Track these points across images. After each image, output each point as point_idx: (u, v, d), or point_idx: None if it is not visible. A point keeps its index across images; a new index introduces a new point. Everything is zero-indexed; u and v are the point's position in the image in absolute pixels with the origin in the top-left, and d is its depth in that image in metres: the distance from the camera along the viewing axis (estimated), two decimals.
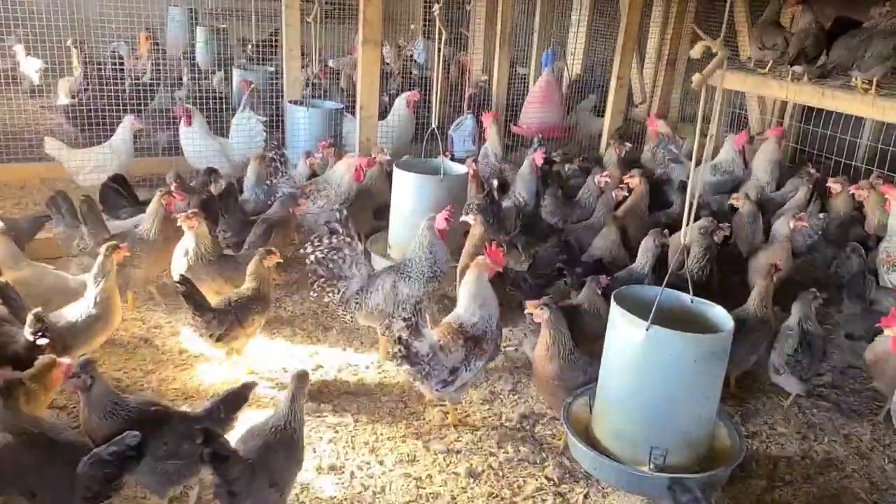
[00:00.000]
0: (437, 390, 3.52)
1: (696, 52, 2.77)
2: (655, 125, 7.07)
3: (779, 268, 4.17)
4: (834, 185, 5.71)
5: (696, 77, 2.65)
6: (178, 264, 4.26)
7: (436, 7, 4.42)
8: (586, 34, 9.45)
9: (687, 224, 3.01)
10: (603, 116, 7.62)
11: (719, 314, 3.09)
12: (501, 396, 4.09)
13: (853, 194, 5.69)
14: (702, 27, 8.26)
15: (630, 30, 6.95)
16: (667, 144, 6.30)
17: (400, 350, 3.37)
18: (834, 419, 4.02)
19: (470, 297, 3.54)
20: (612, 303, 3.08)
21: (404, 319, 3.42)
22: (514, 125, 8.40)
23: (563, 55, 9.36)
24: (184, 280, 3.80)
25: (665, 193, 6.10)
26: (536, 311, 3.50)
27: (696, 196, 3.09)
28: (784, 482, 3.49)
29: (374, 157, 5.65)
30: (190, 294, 3.75)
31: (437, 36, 4.48)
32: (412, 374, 3.48)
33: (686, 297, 3.18)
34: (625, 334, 2.99)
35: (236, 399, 3.07)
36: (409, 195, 4.76)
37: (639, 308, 3.04)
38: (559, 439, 3.68)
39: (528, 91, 8.54)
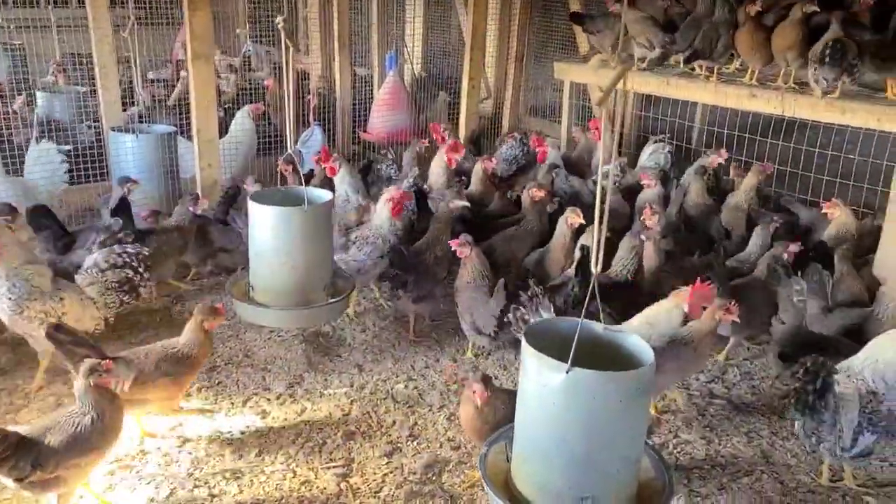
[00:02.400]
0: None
1: (593, 64, 2.55)
2: (545, 150, 6.42)
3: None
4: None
5: (597, 96, 2.43)
6: None
7: (279, 19, 3.94)
8: (423, 28, 9.23)
9: (599, 226, 2.77)
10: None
11: (636, 344, 2.91)
12: (401, 445, 3.74)
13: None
14: (541, 19, 8.39)
15: (477, 31, 6.78)
16: (562, 174, 6.00)
17: None
18: (731, 416, 4.04)
19: None
20: (524, 343, 2.81)
21: None
22: (364, 131, 8.02)
23: (407, 54, 9.08)
24: None
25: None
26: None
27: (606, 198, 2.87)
28: (702, 496, 3.42)
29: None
30: None
31: (283, 50, 4.01)
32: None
33: (598, 326, 2.98)
34: (542, 379, 2.72)
35: None
36: (268, 231, 4.23)
37: (551, 344, 2.80)
38: (469, 484, 3.41)
39: (373, 95, 8.19)
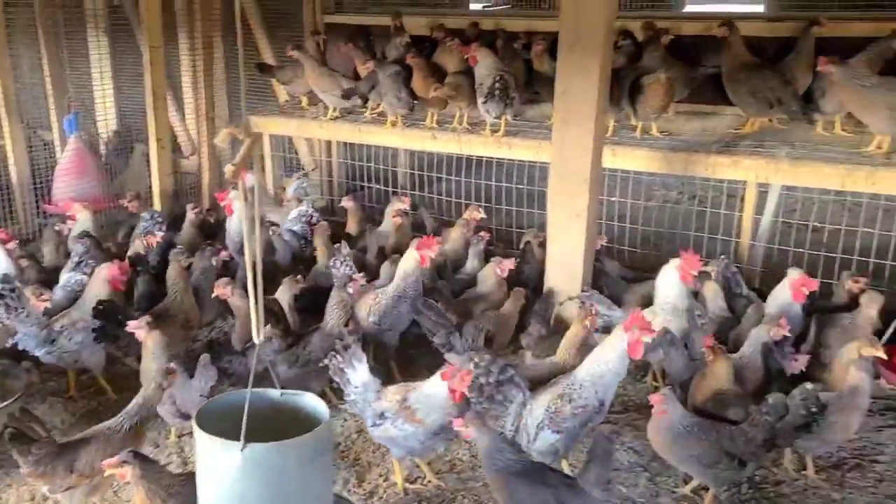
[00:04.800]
0: None
1: (222, 139, 2.52)
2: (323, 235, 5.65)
3: None
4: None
5: (228, 168, 2.40)
6: None
7: None
8: (114, 85, 8.58)
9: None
10: None
11: (311, 402, 2.90)
12: None
13: None
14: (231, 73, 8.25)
15: (158, 90, 6.46)
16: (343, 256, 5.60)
17: None
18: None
19: None
20: (195, 427, 2.66)
21: None
22: (47, 203, 7.23)
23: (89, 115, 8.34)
24: None
25: None
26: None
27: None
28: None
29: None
30: None
31: None
32: None
33: (274, 393, 2.92)
34: (217, 462, 2.60)
35: None
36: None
37: (226, 421, 2.69)
38: None
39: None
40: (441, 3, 11.47)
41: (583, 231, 4.65)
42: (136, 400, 3.49)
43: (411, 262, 4.52)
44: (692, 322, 4.18)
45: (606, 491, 2.98)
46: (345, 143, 7.38)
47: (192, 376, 3.96)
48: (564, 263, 4.74)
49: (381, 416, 3.53)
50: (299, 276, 4.79)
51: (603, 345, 3.53)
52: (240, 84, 8.02)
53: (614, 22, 4.49)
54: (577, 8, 4.31)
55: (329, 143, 7.43)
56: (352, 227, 6.15)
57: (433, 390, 3.46)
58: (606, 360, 3.46)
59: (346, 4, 8.05)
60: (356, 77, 6.53)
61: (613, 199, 5.92)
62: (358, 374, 3.64)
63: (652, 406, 3.46)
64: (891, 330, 4.03)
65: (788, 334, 3.94)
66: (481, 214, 5.59)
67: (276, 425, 2.78)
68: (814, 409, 3.37)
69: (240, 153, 2.44)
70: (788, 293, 4.33)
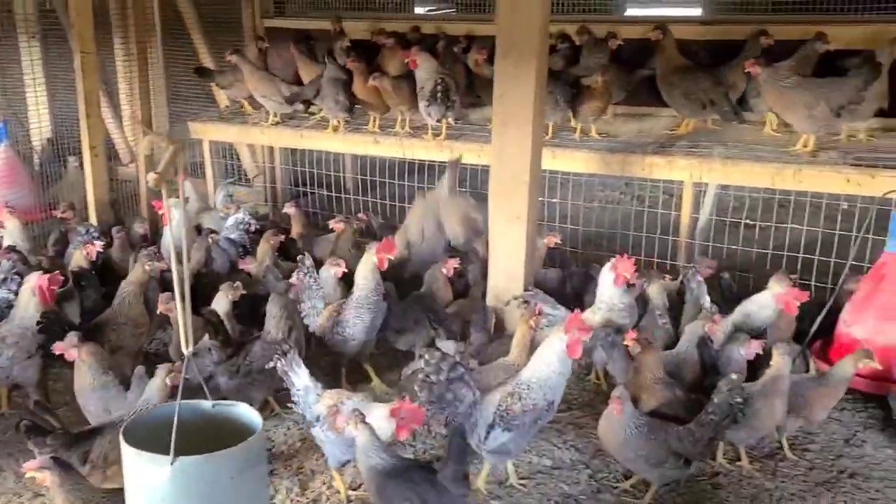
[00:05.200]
0: None
1: (144, 148, 2.46)
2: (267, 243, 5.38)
3: None
4: None
5: (151, 177, 2.34)
6: None
7: None
8: (47, 91, 8.32)
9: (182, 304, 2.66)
10: None
11: (244, 413, 2.85)
12: None
13: None
14: (182, 76, 8.08)
15: (91, 98, 6.28)
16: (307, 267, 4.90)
17: None
18: None
19: None
20: (122, 442, 2.59)
21: None
22: None
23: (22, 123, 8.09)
24: None
25: None
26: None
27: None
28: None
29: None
30: None
31: None
32: None
33: (206, 404, 2.87)
34: (147, 478, 2.53)
35: None
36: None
37: (156, 437, 2.63)
38: None
39: None
40: (385, 6, 11.46)
41: (523, 233, 4.69)
42: (143, 396, 3.59)
43: (369, 265, 4.42)
44: (632, 320, 4.26)
45: (463, 486, 3.09)
46: (289, 149, 7.30)
47: (127, 388, 3.87)
48: (506, 265, 4.78)
49: (318, 419, 3.53)
50: (237, 283, 4.72)
51: (543, 346, 3.56)
52: (180, 89, 7.92)
53: (549, 27, 4.53)
54: (512, 14, 4.35)
55: (272, 148, 7.34)
56: (295, 233, 6.08)
57: (376, 418, 3.33)
58: (548, 363, 3.49)
59: (287, 8, 7.99)
60: (297, 81, 6.47)
61: (555, 200, 5.98)
62: (300, 377, 3.63)
63: (604, 404, 3.51)
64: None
65: (721, 330, 4.02)
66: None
67: (208, 438, 2.73)
68: (738, 400, 3.46)
69: (162, 162, 2.38)
70: (771, 304, 4.19)
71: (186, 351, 2.67)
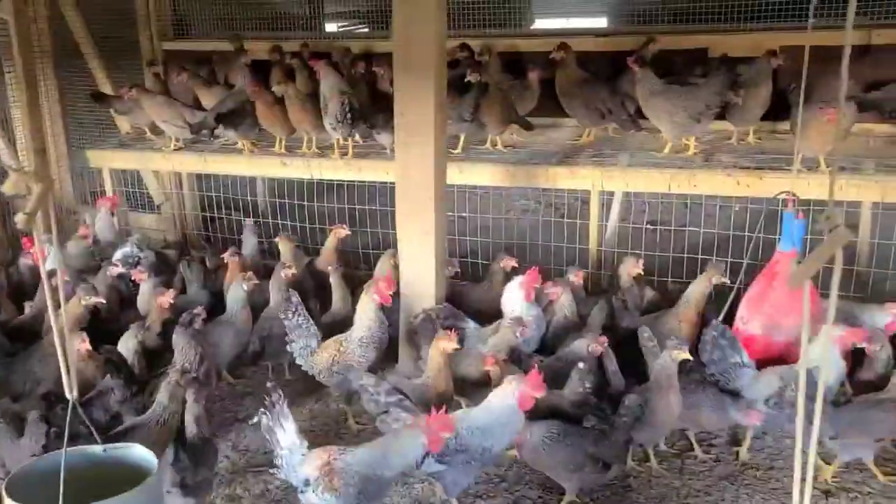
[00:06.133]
0: None
1: (8, 188, 2.34)
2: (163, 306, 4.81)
3: None
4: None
5: (20, 217, 2.22)
6: None
7: None
8: None
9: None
10: None
11: (139, 455, 2.75)
12: None
13: None
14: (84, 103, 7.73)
15: None
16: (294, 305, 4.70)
17: None
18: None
19: None
20: (4, 497, 2.45)
21: None
22: None
23: None
24: None
25: None
26: None
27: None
28: None
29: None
30: None
31: None
32: None
33: (96, 449, 2.74)
34: None
35: None
36: None
37: (46, 486, 2.50)
38: None
39: None
40: (294, 26, 11.34)
41: (432, 249, 4.70)
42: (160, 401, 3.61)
43: (370, 304, 4.35)
44: (539, 332, 4.34)
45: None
46: (198, 174, 7.11)
47: (21, 434, 3.66)
48: (417, 281, 4.77)
49: (306, 482, 3.20)
50: (148, 324, 4.57)
51: (496, 392, 3.51)
52: (81, 116, 7.61)
53: (445, 41, 4.57)
54: (407, 30, 4.37)
55: (179, 174, 7.12)
56: None
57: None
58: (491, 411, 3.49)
59: (194, 29, 7.81)
60: (198, 105, 6.32)
61: (464, 214, 6.02)
62: (286, 434, 3.29)
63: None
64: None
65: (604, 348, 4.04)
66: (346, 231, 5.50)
67: (102, 484, 2.61)
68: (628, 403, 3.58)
69: (31, 202, 2.26)
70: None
71: (70, 396, 2.55)
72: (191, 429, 3.58)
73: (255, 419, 3.36)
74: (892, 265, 5.10)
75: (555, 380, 3.74)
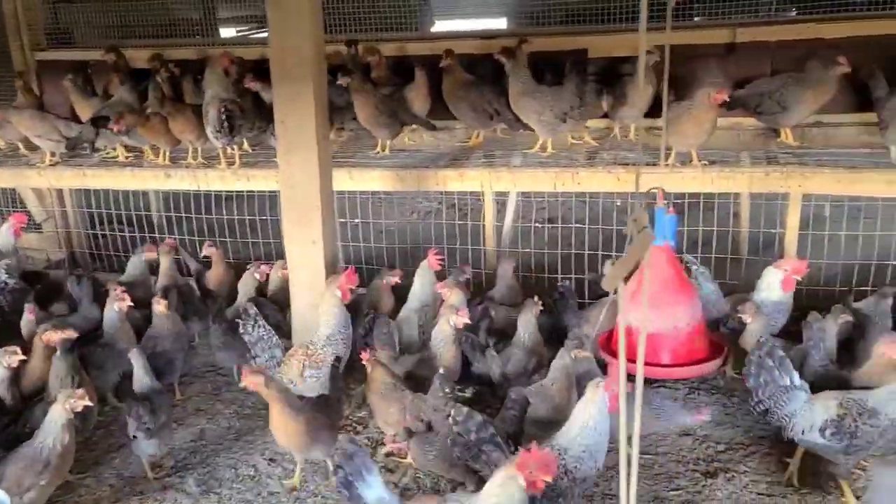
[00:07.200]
0: None
1: None
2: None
3: None
4: None
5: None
6: None
7: None
8: None
9: None
10: None
11: None
12: None
13: None
14: None
15: None
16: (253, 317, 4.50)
17: None
18: None
19: None
20: None
21: None
22: None
23: None
24: None
25: None
26: None
27: None
28: None
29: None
30: None
31: None
32: None
33: None
34: None
35: None
36: None
37: None
38: None
39: None
40: (188, 31, 11.00)
41: (321, 257, 4.65)
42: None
43: (333, 300, 4.26)
44: None
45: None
46: (84, 190, 6.76)
47: None
48: (308, 291, 4.70)
49: None
50: (16, 348, 4.31)
51: None
52: None
53: (324, 47, 4.52)
54: (282, 36, 4.30)
55: (60, 190, 6.76)
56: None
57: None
58: None
59: (76, 37, 7.45)
60: (74, 117, 6.04)
61: (357, 221, 5.95)
62: (372, 489, 2.86)
63: None
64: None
65: (469, 321, 4.24)
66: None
67: None
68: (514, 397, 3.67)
69: None
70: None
71: None
72: None
73: (330, 476, 3.07)
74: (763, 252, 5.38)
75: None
